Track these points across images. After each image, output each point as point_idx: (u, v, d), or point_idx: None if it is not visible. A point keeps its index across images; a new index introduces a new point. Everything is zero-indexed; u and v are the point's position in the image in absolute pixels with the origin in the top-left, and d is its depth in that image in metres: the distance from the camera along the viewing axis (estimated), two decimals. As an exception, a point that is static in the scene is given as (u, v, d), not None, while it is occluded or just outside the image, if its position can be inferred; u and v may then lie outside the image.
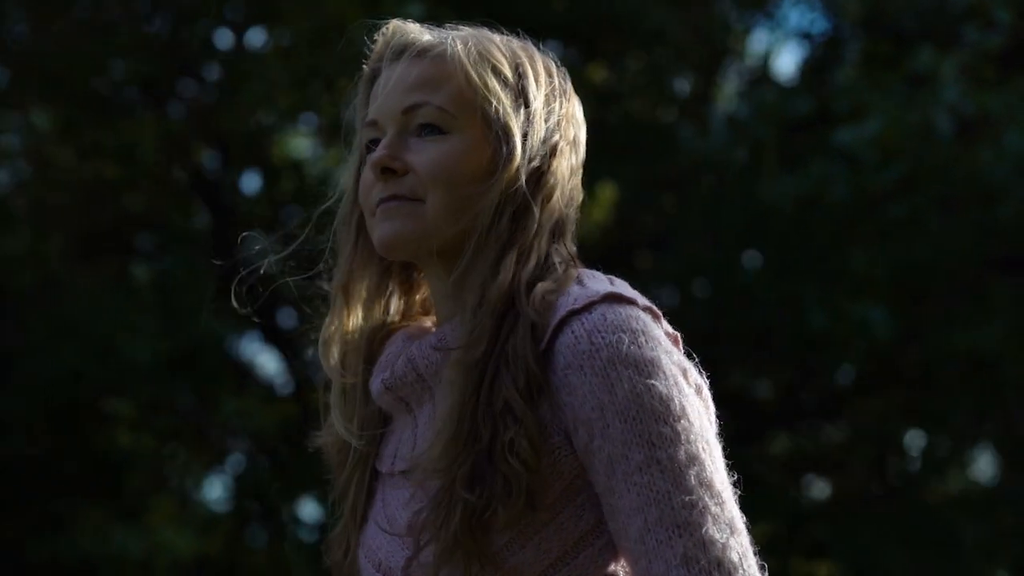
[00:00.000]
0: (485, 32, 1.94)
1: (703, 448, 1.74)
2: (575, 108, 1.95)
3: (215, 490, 10.29)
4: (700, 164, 8.62)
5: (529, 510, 1.74)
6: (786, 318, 8.59)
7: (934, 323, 8.93)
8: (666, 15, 8.88)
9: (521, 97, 1.88)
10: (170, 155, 9.41)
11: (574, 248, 1.91)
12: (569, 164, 1.91)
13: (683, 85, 9.94)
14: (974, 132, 8.37)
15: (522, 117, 1.87)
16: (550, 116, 1.90)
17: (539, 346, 1.76)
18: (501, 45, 1.91)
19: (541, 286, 1.80)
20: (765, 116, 8.63)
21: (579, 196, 1.94)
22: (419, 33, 1.92)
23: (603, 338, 1.73)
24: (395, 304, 1.97)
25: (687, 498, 1.71)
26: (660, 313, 1.81)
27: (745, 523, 1.76)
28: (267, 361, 10.27)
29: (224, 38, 9.55)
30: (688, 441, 1.73)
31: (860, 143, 7.97)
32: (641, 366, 1.73)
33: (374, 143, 1.89)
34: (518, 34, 1.97)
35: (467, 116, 1.85)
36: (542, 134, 1.88)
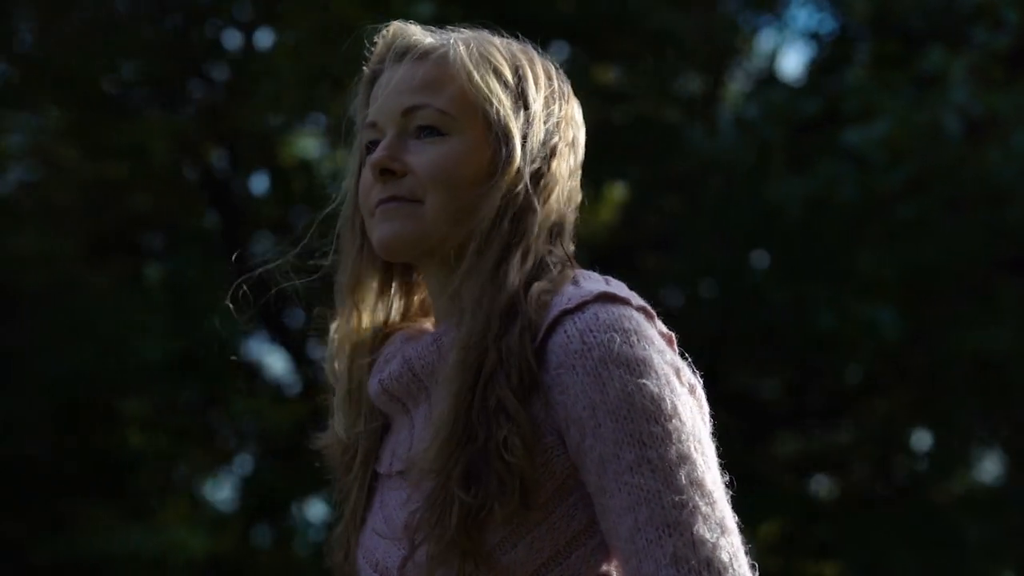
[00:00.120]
0: (486, 34, 1.95)
1: (695, 447, 1.74)
2: (574, 110, 1.96)
3: (225, 490, 10.30)
4: (708, 165, 8.62)
5: (523, 509, 1.74)
6: (794, 318, 8.58)
7: (942, 324, 8.93)
8: (673, 15, 8.88)
9: (521, 99, 1.89)
10: (179, 155, 9.43)
11: (572, 248, 1.92)
12: (568, 165, 1.92)
13: (690, 86, 9.94)
14: (982, 133, 8.37)
15: (522, 119, 1.88)
16: (550, 118, 1.90)
17: (533, 345, 1.77)
18: (501, 48, 1.92)
19: (537, 286, 1.81)
20: (773, 116, 8.63)
21: (577, 197, 1.95)
22: (420, 35, 1.93)
23: (595, 337, 1.74)
24: (396, 305, 1.97)
25: (677, 498, 1.71)
26: (654, 313, 1.81)
27: (737, 523, 1.76)
28: (276, 361, 10.28)
29: (232, 38, 9.57)
30: (679, 440, 1.73)
31: (868, 144, 7.97)
32: (633, 365, 1.73)
33: (374, 144, 1.90)
34: (517, 37, 1.98)
35: (467, 118, 1.86)
36: (542, 136, 1.89)
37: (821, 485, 10.68)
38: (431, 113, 1.86)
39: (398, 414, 1.91)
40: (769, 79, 10.10)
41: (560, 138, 1.91)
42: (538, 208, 1.86)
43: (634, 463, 1.71)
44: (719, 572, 1.70)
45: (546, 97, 1.91)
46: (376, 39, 1.95)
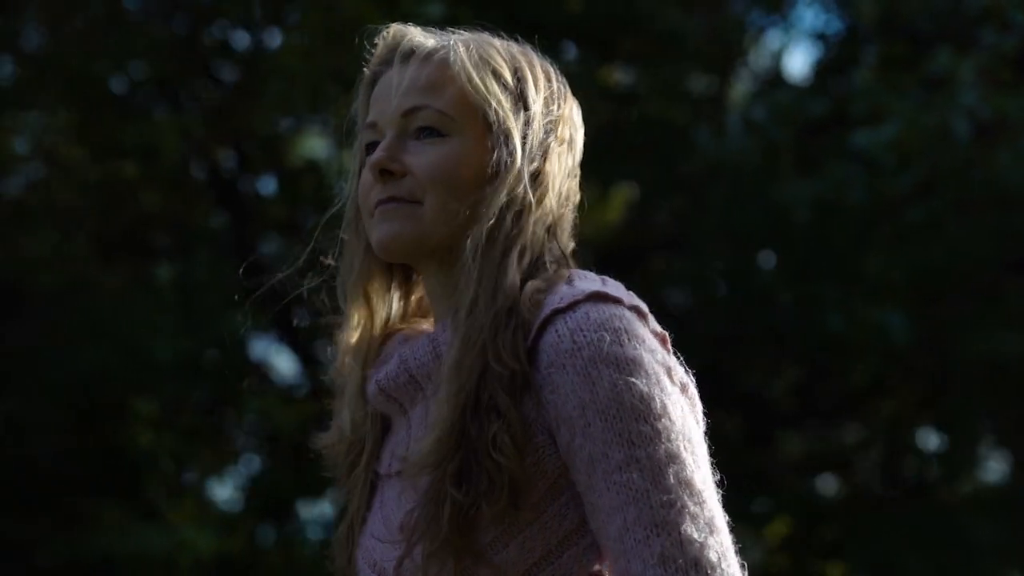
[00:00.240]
0: (486, 36, 1.96)
1: (684, 446, 1.74)
2: (574, 111, 1.97)
3: (235, 490, 10.31)
4: (715, 166, 8.62)
5: (512, 508, 1.75)
6: (802, 320, 8.59)
7: (951, 326, 8.93)
8: (682, 16, 8.89)
9: (521, 100, 1.90)
10: (187, 155, 9.44)
11: (570, 248, 1.93)
12: (567, 165, 1.93)
13: (698, 86, 9.95)
14: (991, 135, 8.36)
15: (521, 120, 1.89)
16: (549, 119, 1.91)
17: (525, 344, 1.77)
18: (501, 49, 1.93)
19: (530, 284, 1.82)
20: (780, 117, 8.63)
21: (576, 196, 1.96)
22: (420, 37, 1.94)
23: (585, 336, 1.74)
24: (396, 306, 1.98)
25: (665, 497, 1.70)
26: (647, 312, 1.81)
27: (730, 523, 1.76)
28: (285, 361, 10.29)
29: (242, 38, 9.58)
30: (668, 440, 1.73)
31: (877, 146, 7.96)
32: (622, 364, 1.73)
33: (374, 145, 1.91)
34: (517, 39, 1.99)
35: (467, 119, 1.87)
36: (541, 136, 1.90)
37: (828, 485, 10.68)
38: (431, 114, 1.87)
39: (396, 415, 1.92)
40: (775, 80, 10.10)
41: (559, 139, 1.92)
42: (536, 208, 1.87)
43: (623, 462, 1.71)
44: (706, 572, 1.70)
45: (545, 98, 1.92)
46: (376, 41, 1.97)
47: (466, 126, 1.87)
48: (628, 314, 1.77)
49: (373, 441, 1.95)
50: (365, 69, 1.97)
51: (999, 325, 8.69)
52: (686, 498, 1.71)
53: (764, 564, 11.13)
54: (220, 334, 8.60)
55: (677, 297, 9.23)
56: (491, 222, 1.83)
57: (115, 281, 8.81)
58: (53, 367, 8.65)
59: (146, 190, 9.48)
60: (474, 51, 1.90)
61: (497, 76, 1.89)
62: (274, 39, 9.25)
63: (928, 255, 8.53)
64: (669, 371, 1.78)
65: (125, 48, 8.85)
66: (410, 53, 1.92)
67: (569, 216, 1.94)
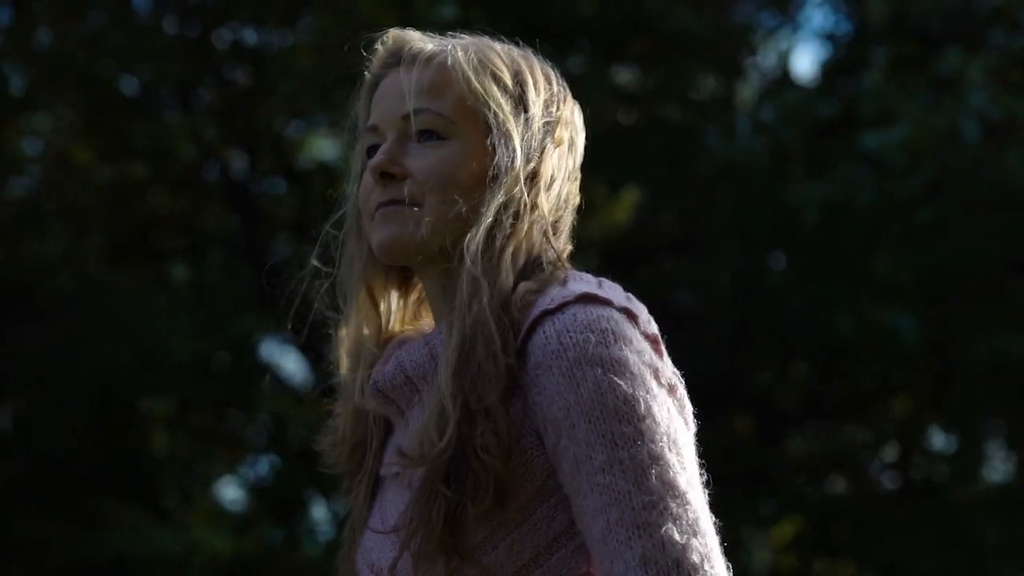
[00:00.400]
0: (486, 40, 1.96)
1: (668, 448, 1.73)
2: (574, 114, 1.97)
3: (248, 490, 10.32)
4: (725, 167, 8.63)
5: (498, 508, 1.75)
6: (812, 321, 8.59)
7: (958, 326, 8.93)
8: (691, 17, 8.89)
9: (521, 104, 1.90)
10: (198, 156, 9.46)
11: (569, 249, 1.94)
12: (566, 168, 1.94)
13: (707, 87, 9.95)
14: (1000, 136, 8.36)
15: (521, 123, 1.89)
16: (548, 122, 1.92)
17: (515, 345, 1.78)
18: (501, 53, 1.94)
19: (523, 285, 1.82)
20: (789, 119, 8.63)
21: (576, 199, 1.96)
22: (420, 41, 1.95)
23: (571, 338, 1.74)
24: (396, 308, 1.99)
25: (647, 498, 1.70)
26: (638, 314, 1.80)
27: (716, 524, 1.76)
28: (296, 362, 10.31)
29: (252, 39, 9.60)
30: (652, 441, 1.72)
31: (887, 148, 7.96)
32: (607, 365, 1.73)
33: (375, 148, 1.92)
34: (518, 43, 1.99)
35: (467, 123, 1.88)
36: (540, 139, 1.91)
37: (836, 485, 10.68)
38: (431, 118, 1.88)
39: (394, 416, 1.92)
40: (783, 80, 10.10)
41: (558, 141, 1.92)
42: (533, 210, 1.87)
43: (605, 463, 1.71)
44: (688, 573, 1.69)
45: (545, 101, 1.93)
46: (377, 45, 1.98)
47: (466, 129, 1.88)
48: (616, 315, 1.77)
49: (376, 443, 1.95)
50: (366, 73, 1.98)
51: (1007, 325, 8.69)
52: (669, 499, 1.70)
53: (772, 564, 11.13)
54: (232, 335, 8.63)
55: (686, 298, 9.24)
56: (488, 223, 1.83)
57: (127, 282, 8.82)
58: (66, 368, 8.68)
59: (156, 191, 9.50)
60: (474, 55, 1.91)
61: (497, 79, 1.90)
62: (286, 40, 9.26)
63: (936, 256, 8.53)
64: (656, 372, 1.77)
65: (135, 49, 8.87)
66: (411, 57, 1.92)
67: (568, 218, 1.95)
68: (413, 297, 2.00)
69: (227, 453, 9.98)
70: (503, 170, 1.86)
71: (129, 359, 8.48)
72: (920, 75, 8.56)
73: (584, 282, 1.82)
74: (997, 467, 10.81)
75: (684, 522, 1.70)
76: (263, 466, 10.33)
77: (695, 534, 1.71)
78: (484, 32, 1.99)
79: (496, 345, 1.77)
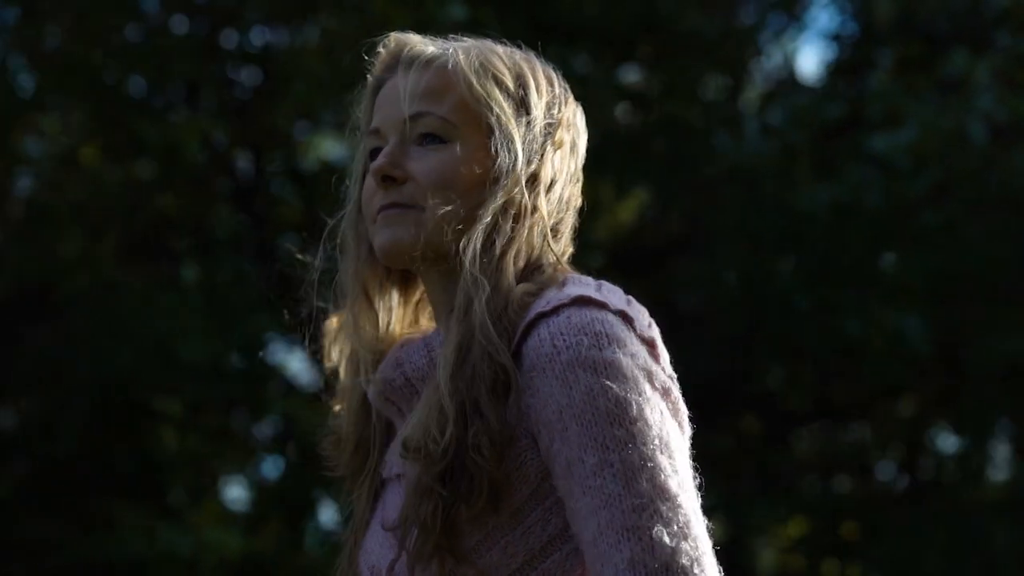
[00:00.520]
0: (488, 43, 1.97)
1: (659, 451, 1.73)
2: (576, 116, 1.98)
3: (258, 491, 10.32)
4: (733, 168, 8.63)
5: (492, 510, 1.75)
6: (819, 323, 8.59)
7: (966, 328, 8.93)
8: (700, 17, 8.89)
9: (522, 106, 1.91)
10: (206, 156, 9.48)
11: (570, 251, 1.94)
12: (567, 171, 1.94)
13: (715, 88, 9.95)
14: (1007, 137, 8.37)
15: (523, 125, 1.90)
16: (551, 124, 1.92)
17: (511, 347, 1.78)
18: (503, 56, 1.94)
19: (520, 288, 1.83)
20: (798, 121, 8.64)
21: (577, 200, 1.96)
22: (422, 44, 1.95)
23: (564, 340, 1.75)
24: (397, 310, 1.99)
25: (637, 501, 1.70)
26: (634, 317, 1.80)
27: (709, 528, 1.75)
28: (302, 363, 10.31)
29: (262, 40, 9.61)
30: (643, 444, 1.72)
31: (894, 150, 7.97)
32: (599, 368, 1.73)
33: (377, 151, 1.93)
34: (520, 46, 1.99)
35: (468, 125, 1.89)
36: (541, 141, 1.91)
37: (843, 486, 10.69)
38: (433, 121, 1.89)
39: (396, 418, 1.93)
40: (789, 81, 10.10)
41: (559, 143, 1.93)
42: (533, 212, 1.88)
43: (596, 466, 1.71)
44: None
45: (547, 103, 1.93)
46: (379, 49, 1.99)
47: (468, 132, 1.88)
48: (611, 318, 1.77)
49: (378, 445, 1.96)
50: (368, 76, 1.99)
51: (1016, 326, 8.69)
52: (659, 503, 1.70)
53: (779, 564, 11.13)
54: (243, 335, 8.64)
55: (693, 299, 9.24)
56: (487, 226, 1.84)
57: (139, 283, 8.84)
58: (76, 368, 8.69)
59: (165, 192, 9.51)
60: (475, 57, 1.91)
61: (498, 82, 1.90)
62: (295, 40, 9.27)
63: (944, 257, 8.53)
64: (650, 375, 1.77)
65: (144, 49, 8.89)
66: (412, 60, 1.93)
67: (570, 220, 1.95)
68: (414, 299, 2.01)
69: (237, 453, 9.99)
70: (504, 173, 1.86)
71: (140, 359, 8.50)
72: (927, 76, 8.56)
73: (582, 285, 1.82)
74: (1002, 467, 10.80)
75: (674, 525, 1.70)
76: (274, 466, 10.34)
77: (685, 537, 1.70)
78: (487, 35, 2.00)
79: (492, 347, 1.77)
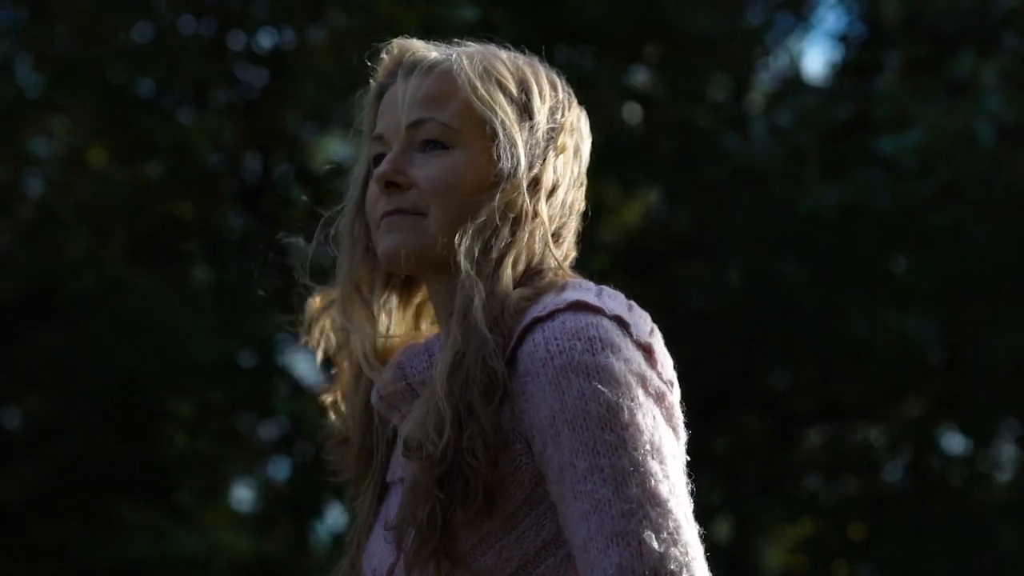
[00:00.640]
0: (491, 48, 1.97)
1: (650, 456, 1.72)
2: (580, 121, 1.98)
3: (267, 492, 10.34)
4: (740, 170, 8.64)
5: (486, 513, 1.76)
6: (827, 324, 8.60)
7: (975, 329, 8.93)
8: (707, 18, 8.90)
9: (525, 111, 1.91)
10: (214, 157, 9.49)
11: (573, 256, 1.95)
12: (570, 175, 1.94)
13: (721, 89, 9.96)
14: (1015, 139, 8.37)
15: (526, 130, 1.90)
16: (554, 129, 1.93)
17: (505, 352, 1.79)
18: (506, 61, 1.95)
19: (518, 292, 1.83)
20: (805, 122, 8.64)
21: (581, 205, 1.97)
22: (425, 50, 1.96)
23: (558, 345, 1.75)
24: (399, 314, 2.00)
25: (627, 506, 1.70)
26: (630, 322, 1.80)
27: (701, 534, 1.75)
28: (308, 364, 10.33)
29: (270, 41, 9.63)
30: (634, 449, 1.72)
31: (902, 151, 7.97)
32: (592, 373, 1.73)
33: (381, 157, 1.93)
34: (524, 51, 2.00)
35: (471, 131, 1.89)
36: (544, 146, 1.91)
37: (850, 486, 10.69)
38: (435, 126, 1.89)
39: (399, 422, 1.93)
40: (796, 82, 10.10)
41: (561, 148, 1.93)
42: (534, 217, 1.88)
43: (587, 471, 1.72)
44: None
45: (550, 107, 1.93)
46: (382, 55, 1.99)
47: (470, 137, 1.89)
48: (606, 323, 1.77)
49: (381, 449, 1.96)
50: (372, 81, 2.00)
51: (1021, 327, 8.69)
52: (648, 508, 1.70)
53: (785, 564, 11.13)
54: (251, 335, 8.65)
55: (700, 300, 9.25)
56: (487, 231, 1.85)
57: (147, 283, 8.85)
58: (85, 369, 8.70)
59: (174, 193, 9.53)
60: (478, 63, 1.92)
61: (501, 87, 1.91)
62: (305, 40, 9.28)
63: (952, 259, 8.53)
64: (643, 380, 1.76)
65: (153, 50, 8.91)
66: (415, 66, 1.93)
67: (573, 225, 1.95)
68: (416, 302, 2.01)
69: (244, 454, 10.00)
70: (505, 177, 1.87)
71: (147, 360, 8.50)
72: (934, 78, 8.56)
73: (581, 290, 1.82)
74: (1008, 468, 10.79)
75: (664, 531, 1.70)
76: (284, 467, 10.35)
77: (675, 543, 1.70)
78: (494, 38, 2.00)
79: (487, 351, 1.77)
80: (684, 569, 1.70)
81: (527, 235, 1.87)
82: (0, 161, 9.24)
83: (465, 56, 1.93)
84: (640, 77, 9.67)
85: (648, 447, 1.73)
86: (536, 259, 1.88)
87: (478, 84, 1.90)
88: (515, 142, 1.88)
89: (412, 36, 2.00)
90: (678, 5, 8.82)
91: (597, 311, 1.78)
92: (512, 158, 1.88)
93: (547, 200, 1.90)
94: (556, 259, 1.89)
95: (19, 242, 9.23)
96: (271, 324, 8.54)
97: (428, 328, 2.01)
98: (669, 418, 1.79)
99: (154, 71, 9.02)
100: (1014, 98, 8.04)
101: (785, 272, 8.64)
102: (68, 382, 8.87)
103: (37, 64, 9.16)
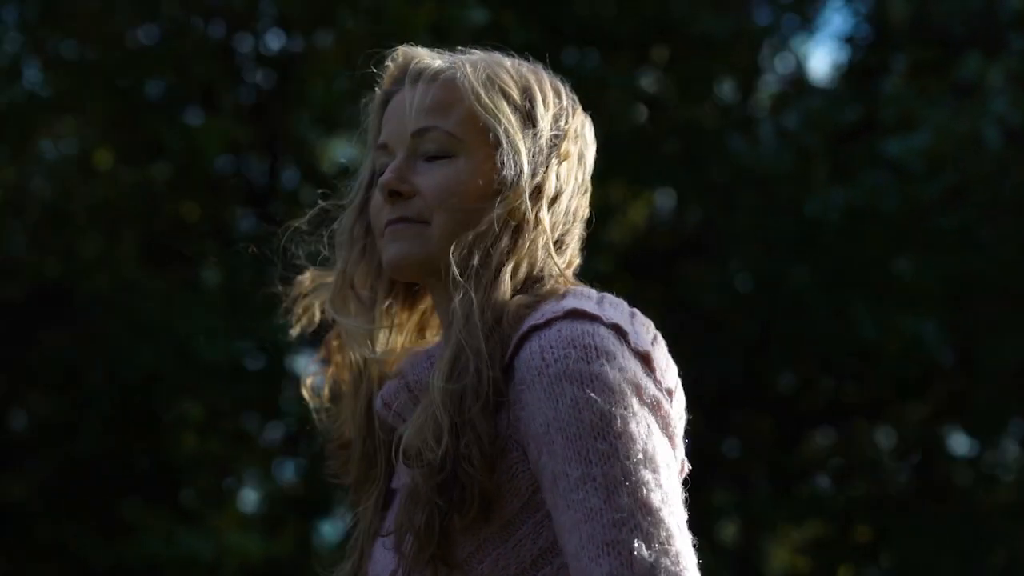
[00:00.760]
0: (495, 56, 1.98)
1: (642, 465, 1.72)
2: (584, 127, 1.98)
3: (276, 493, 10.34)
4: (748, 171, 8.65)
5: (483, 520, 1.76)
6: (834, 325, 8.61)
7: (981, 331, 8.94)
8: (714, 19, 8.91)
9: (529, 119, 1.92)
10: (223, 160, 9.51)
11: (577, 263, 1.95)
12: (574, 182, 1.94)
13: (728, 91, 9.97)
14: (1022, 141, 8.37)
15: (529, 138, 1.90)
16: (557, 136, 1.93)
17: (504, 360, 1.79)
18: (510, 68, 1.95)
19: (517, 300, 1.83)
20: (812, 124, 8.65)
21: (585, 212, 1.97)
22: (429, 58, 1.96)
23: (553, 354, 1.75)
24: (403, 321, 2.01)
25: (618, 516, 1.69)
26: (628, 330, 1.79)
27: (694, 544, 1.74)
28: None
29: (279, 43, 9.65)
30: (627, 458, 1.71)
31: (909, 154, 7.98)
32: (585, 381, 1.74)
33: (385, 166, 1.94)
34: (528, 58, 2.00)
35: (475, 139, 1.90)
36: (547, 153, 1.91)
37: (857, 487, 10.70)
38: (439, 135, 1.90)
39: (401, 428, 1.91)
40: (802, 84, 10.10)
41: (564, 155, 1.93)
42: (536, 224, 1.88)
43: (579, 480, 1.71)
44: None
45: (554, 115, 1.94)
46: (387, 62, 2.00)
47: (474, 145, 1.90)
48: (602, 331, 1.77)
49: (383, 455, 1.95)
50: (377, 89, 2.00)
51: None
52: (640, 517, 1.69)
53: (791, 565, 11.13)
54: (260, 338, 8.66)
55: (708, 301, 9.27)
56: (487, 238, 1.85)
57: (157, 284, 8.87)
58: (97, 370, 8.72)
59: (183, 194, 9.54)
60: (482, 71, 1.92)
61: (505, 95, 1.91)
62: (313, 43, 9.30)
63: (958, 261, 8.54)
64: (638, 389, 1.76)
65: (162, 52, 8.93)
66: (419, 74, 1.94)
67: (576, 232, 1.95)
68: (421, 309, 2.02)
69: (253, 456, 10.01)
70: (507, 185, 1.87)
71: (159, 361, 8.52)
72: (941, 80, 8.57)
73: (581, 298, 1.82)
74: (1013, 469, 10.79)
75: (655, 541, 1.69)
76: (294, 469, 10.36)
77: (666, 553, 1.69)
78: (504, 40, 2.01)
79: (482, 360, 1.78)
80: None
81: (528, 243, 1.87)
82: (10, 162, 9.27)
83: (469, 64, 1.93)
84: (647, 80, 9.67)
85: (641, 456, 1.72)
86: (537, 267, 1.88)
87: (482, 92, 1.90)
88: (518, 150, 1.89)
89: (421, 39, 2.01)
90: (684, 6, 8.83)
91: (594, 319, 1.78)
92: (515, 166, 1.88)
93: (549, 207, 1.90)
94: (558, 266, 1.89)
95: (30, 244, 9.25)
96: (279, 326, 8.57)
97: (433, 337, 2.01)
98: (664, 427, 1.79)
99: (162, 73, 9.04)
100: (1021, 100, 8.05)
101: (792, 273, 8.65)
102: (77, 383, 8.88)
103: (46, 66, 9.18)
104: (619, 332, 1.78)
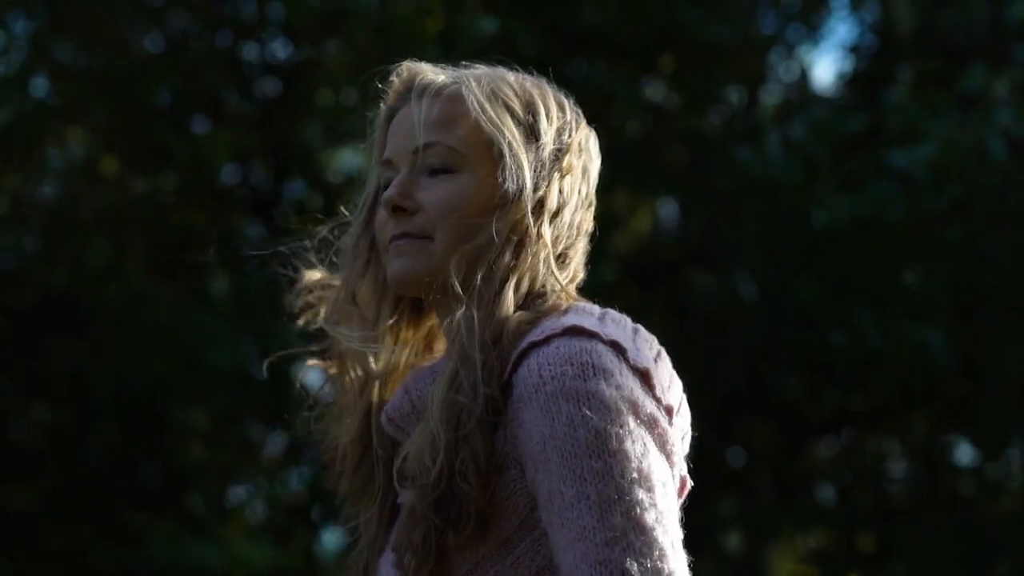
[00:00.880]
0: (500, 71, 1.98)
1: (637, 484, 1.71)
2: (588, 141, 1.98)
3: (284, 503, 10.35)
4: (754, 181, 8.66)
5: (480, 538, 1.76)
6: (839, 335, 8.61)
7: (987, 341, 8.95)
8: (719, 29, 8.92)
9: (532, 133, 1.92)
10: (229, 168, 9.53)
11: (581, 277, 1.95)
12: (578, 196, 1.94)
13: (734, 100, 9.98)
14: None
15: (533, 152, 1.90)
16: (560, 150, 1.93)
17: (501, 377, 1.79)
18: (514, 83, 1.95)
19: (517, 316, 1.83)
20: (818, 134, 8.66)
21: (589, 226, 1.97)
22: (433, 73, 1.96)
23: (550, 371, 1.74)
24: (407, 336, 2.00)
25: (610, 535, 1.68)
26: (627, 347, 1.78)
27: (689, 563, 1.74)
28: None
29: (285, 53, 9.66)
30: (620, 476, 1.71)
31: (915, 165, 7.99)
32: (581, 399, 1.73)
33: (390, 181, 1.94)
34: (532, 72, 2.00)
35: (478, 154, 1.90)
36: (551, 168, 1.91)
37: (861, 496, 10.71)
38: (442, 150, 1.90)
39: (405, 443, 1.91)
40: (807, 93, 10.12)
41: (568, 169, 1.93)
42: (540, 239, 1.88)
43: (574, 498, 1.71)
44: None
45: (558, 129, 1.94)
46: (392, 78, 2.00)
47: (477, 160, 1.90)
48: (600, 348, 1.76)
49: (383, 469, 1.95)
50: (382, 105, 2.01)
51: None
52: (633, 536, 1.68)
53: (795, 574, 11.13)
54: (266, 347, 8.66)
55: (713, 309, 9.28)
56: (488, 253, 1.85)
57: (165, 293, 8.88)
58: (105, 379, 8.72)
59: (190, 203, 9.56)
60: (486, 85, 1.93)
61: (508, 109, 1.91)
62: (320, 53, 9.32)
63: (964, 271, 8.55)
64: (635, 407, 1.75)
65: (168, 61, 8.95)
66: (424, 89, 1.94)
67: (581, 246, 1.95)
68: (427, 325, 2.01)
69: (260, 465, 10.02)
70: (509, 200, 1.87)
71: (167, 370, 8.53)
72: (946, 91, 8.58)
73: (581, 314, 1.82)
74: (1017, 478, 10.80)
75: (647, 560, 1.68)
76: (301, 479, 10.36)
77: (658, 572, 1.68)
78: (502, 62, 2.01)
79: (480, 376, 1.77)
80: None
81: (530, 257, 1.87)
82: (18, 171, 9.29)
83: (473, 79, 1.93)
84: (652, 88, 9.69)
85: (635, 475, 1.71)
86: (539, 282, 1.88)
87: (486, 106, 1.90)
88: (521, 164, 1.89)
89: (430, 49, 2.03)
90: (690, 15, 8.84)
91: (593, 336, 1.77)
92: (517, 180, 1.88)
93: (552, 221, 1.90)
94: (560, 282, 1.89)
95: (37, 253, 9.27)
96: (286, 335, 8.57)
97: (441, 351, 2.01)
98: (662, 445, 1.77)
99: (169, 82, 9.06)
100: (1025, 111, 8.07)
101: (797, 283, 8.65)
102: (84, 391, 8.89)
103: (53, 75, 9.21)
104: (618, 349, 1.77)
